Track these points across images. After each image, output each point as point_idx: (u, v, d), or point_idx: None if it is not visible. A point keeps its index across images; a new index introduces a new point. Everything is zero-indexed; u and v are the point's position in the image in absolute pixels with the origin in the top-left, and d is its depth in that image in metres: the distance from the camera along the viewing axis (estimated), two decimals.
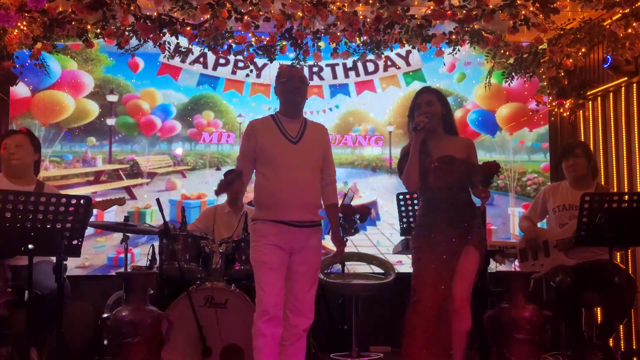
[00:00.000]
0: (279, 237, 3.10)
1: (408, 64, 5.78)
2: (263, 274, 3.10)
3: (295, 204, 3.13)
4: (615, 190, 4.72)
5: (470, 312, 3.24)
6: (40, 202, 3.02)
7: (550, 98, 5.37)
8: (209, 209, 5.00)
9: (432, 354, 3.20)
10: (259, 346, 3.06)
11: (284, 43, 4.95)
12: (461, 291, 3.21)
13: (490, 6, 4.53)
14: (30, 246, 3.03)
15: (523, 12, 4.52)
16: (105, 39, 4.74)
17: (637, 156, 4.63)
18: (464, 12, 4.61)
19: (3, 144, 3.75)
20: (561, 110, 5.32)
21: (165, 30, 4.69)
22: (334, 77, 5.74)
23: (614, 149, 4.89)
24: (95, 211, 4.41)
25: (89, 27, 4.68)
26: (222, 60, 5.63)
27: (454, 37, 4.88)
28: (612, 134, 4.92)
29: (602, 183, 4.79)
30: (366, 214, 3.30)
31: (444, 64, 5.73)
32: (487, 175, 3.27)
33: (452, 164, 3.26)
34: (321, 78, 5.71)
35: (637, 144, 4.64)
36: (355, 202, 5.37)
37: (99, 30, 4.72)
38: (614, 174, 4.88)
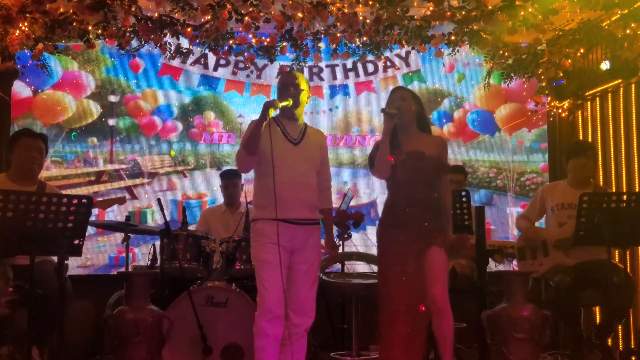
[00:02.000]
0: (280, 235, 3.12)
1: (407, 65, 5.81)
2: (265, 272, 3.12)
3: (296, 202, 3.17)
4: (613, 190, 4.73)
5: (451, 312, 3.20)
6: (42, 202, 3.03)
7: (549, 98, 5.39)
8: (204, 212, 5.05)
9: (407, 355, 3.19)
10: (261, 346, 3.08)
11: (284, 44, 4.96)
12: (438, 291, 3.17)
13: (489, 7, 4.55)
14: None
15: (522, 13, 4.54)
16: (107, 39, 4.75)
17: (636, 156, 4.65)
18: (463, 13, 4.62)
19: (24, 142, 3.74)
20: (560, 111, 5.34)
21: (166, 31, 4.71)
22: (334, 77, 5.76)
23: (612, 150, 4.91)
24: (96, 210, 4.43)
25: (90, 28, 4.69)
26: (222, 61, 5.65)
27: (453, 38, 4.89)
28: (611, 135, 4.93)
29: (601, 183, 4.81)
30: (359, 220, 3.31)
31: (443, 65, 5.76)
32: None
33: (420, 160, 3.26)
34: (321, 79, 5.73)
35: (635, 145, 4.66)
36: (355, 202, 5.41)
37: (100, 31, 4.72)
38: (613, 174, 4.89)
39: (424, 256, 3.20)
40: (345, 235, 3.64)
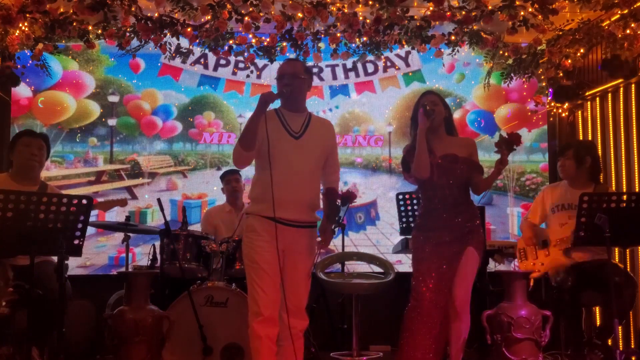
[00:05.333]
0: (270, 234, 3.02)
1: (407, 65, 5.80)
2: (255, 274, 3.04)
3: (290, 201, 3.05)
4: (613, 190, 4.73)
5: (468, 317, 3.25)
6: (42, 202, 3.03)
7: (549, 98, 5.40)
8: (207, 212, 5.01)
9: (435, 355, 3.22)
10: (255, 347, 3.03)
11: (284, 44, 4.97)
12: (461, 293, 3.23)
13: (489, 7, 4.56)
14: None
15: (522, 13, 4.54)
16: (107, 39, 4.77)
17: (635, 156, 4.65)
18: (463, 13, 4.63)
19: (24, 141, 3.74)
20: (560, 111, 5.34)
21: (166, 31, 4.72)
22: (334, 77, 5.75)
23: (612, 150, 4.91)
24: (96, 211, 4.43)
25: (90, 28, 4.70)
26: (222, 61, 5.65)
27: (453, 38, 4.90)
28: (611, 135, 4.93)
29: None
30: (347, 197, 3.21)
31: (443, 65, 5.76)
32: (509, 144, 3.27)
33: (456, 162, 3.32)
34: (321, 79, 5.72)
35: (635, 145, 4.66)
36: (355, 202, 5.40)
37: (100, 31, 4.74)
38: (613, 174, 4.89)
39: (460, 257, 3.25)
40: (337, 217, 3.40)
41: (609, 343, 4.08)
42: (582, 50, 4.86)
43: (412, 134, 3.46)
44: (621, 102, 4.80)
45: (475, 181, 3.36)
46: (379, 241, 5.60)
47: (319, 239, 3.24)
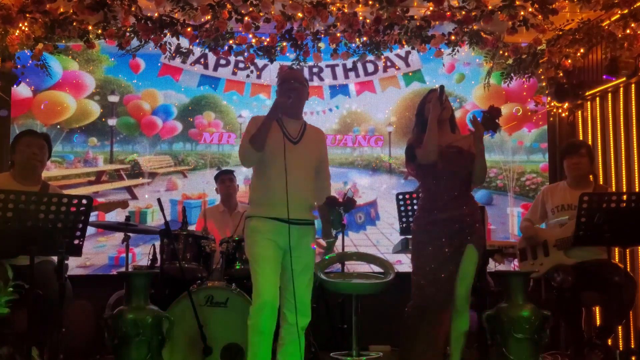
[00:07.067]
0: (273, 233, 3.13)
1: (407, 65, 5.80)
2: (259, 267, 3.11)
3: (291, 202, 3.12)
4: (613, 190, 4.74)
5: (469, 314, 3.26)
6: (42, 202, 3.04)
7: (549, 98, 5.40)
8: (203, 210, 5.03)
9: (436, 353, 3.22)
10: (255, 342, 3.07)
11: (284, 44, 4.97)
12: (462, 290, 3.25)
13: (489, 7, 4.56)
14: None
15: (522, 13, 4.54)
16: (107, 39, 4.77)
17: (636, 156, 4.65)
18: (463, 13, 4.63)
19: (25, 140, 3.75)
20: (560, 111, 5.34)
21: (166, 31, 4.72)
22: (334, 77, 5.75)
23: (612, 150, 4.91)
24: (96, 211, 4.43)
25: (90, 27, 4.70)
26: (222, 61, 5.65)
27: (453, 38, 4.90)
28: (611, 135, 4.93)
29: (601, 182, 4.80)
30: (349, 204, 3.27)
31: (443, 65, 5.76)
32: (491, 120, 3.28)
33: (460, 154, 3.33)
34: (321, 79, 5.72)
35: (635, 145, 4.66)
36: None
37: (100, 31, 4.74)
38: (613, 174, 4.89)
39: (461, 253, 3.26)
40: (338, 223, 3.43)
41: (609, 343, 4.08)
42: (582, 50, 4.86)
43: (415, 130, 3.47)
44: (621, 102, 4.80)
45: (474, 170, 3.37)
46: (379, 241, 5.60)
47: (322, 242, 3.31)
